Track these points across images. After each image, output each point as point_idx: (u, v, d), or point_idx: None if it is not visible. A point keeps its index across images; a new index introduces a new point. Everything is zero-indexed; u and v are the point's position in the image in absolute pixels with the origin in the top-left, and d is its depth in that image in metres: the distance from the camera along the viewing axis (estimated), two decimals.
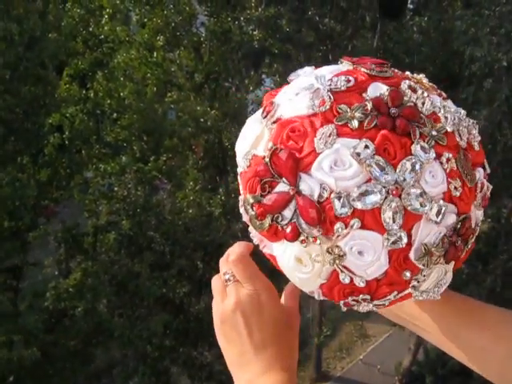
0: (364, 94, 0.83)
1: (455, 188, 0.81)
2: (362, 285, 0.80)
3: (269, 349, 1.01)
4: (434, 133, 0.82)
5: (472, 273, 15.95)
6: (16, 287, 13.56)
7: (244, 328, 1.01)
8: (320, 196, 0.77)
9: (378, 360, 19.58)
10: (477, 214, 0.87)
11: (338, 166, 0.78)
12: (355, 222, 0.76)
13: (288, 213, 0.79)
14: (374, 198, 0.76)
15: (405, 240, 0.77)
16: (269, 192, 0.81)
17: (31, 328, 11.75)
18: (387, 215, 0.76)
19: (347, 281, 0.80)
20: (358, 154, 0.77)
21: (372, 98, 0.82)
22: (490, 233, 17.32)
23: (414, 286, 0.82)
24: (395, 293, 0.82)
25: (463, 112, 0.90)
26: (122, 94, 15.88)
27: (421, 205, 0.77)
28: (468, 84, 15.55)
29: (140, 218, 13.72)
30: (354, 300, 0.84)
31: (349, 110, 0.80)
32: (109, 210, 13.73)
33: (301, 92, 0.84)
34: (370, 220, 0.77)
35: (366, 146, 0.78)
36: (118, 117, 15.97)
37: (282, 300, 1.08)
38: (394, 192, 0.77)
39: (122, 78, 16.18)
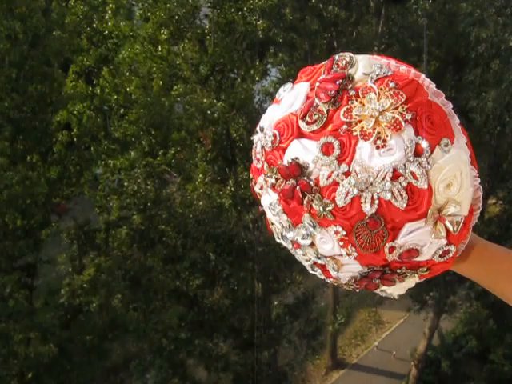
0: (283, 154, 0.93)
1: (348, 254, 0.90)
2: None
3: None
4: (321, 209, 0.88)
5: None
6: (31, 285, 13.66)
7: None
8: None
9: (393, 346, 19.59)
10: (409, 261, 0.94)
11: (268, 209, 0.97)
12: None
13: None
14: (286, 244, 0.98)
15: (320, 273, 0.99)
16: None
17: (47, 325, 11.85)
18: (298, 257, 0.98)
19: None
20: (273, 209, 0.95)
21: (279, 165, 0.92)
22: (501, 215, 17.25)
23: (347, 287, 1.01)
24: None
25: (384, 171, 0.86)
26: (128, 89, 15.89)
27: (316, 258, 0.95)
28: (475, 66, 15.44)
29: (151, 212, 13.77)
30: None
31: (269, 169, 0.94)
32: (119, 205, 13.78)
33: (255, 135, 1.00)
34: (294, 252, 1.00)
35: (278, 205, 0.94)
36: (125, 112, 15.99)
37: None
38: (295, 245, 0.96)
39: (127, 73, 16.18)
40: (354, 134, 0.87)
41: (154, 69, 16.24)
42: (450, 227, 0.91)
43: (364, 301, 20.72)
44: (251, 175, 1.01)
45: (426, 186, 0.87)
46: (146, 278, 13.49)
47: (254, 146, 0.99)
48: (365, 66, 0.93)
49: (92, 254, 13.72)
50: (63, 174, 14.40)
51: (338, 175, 0.87)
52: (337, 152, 0.87)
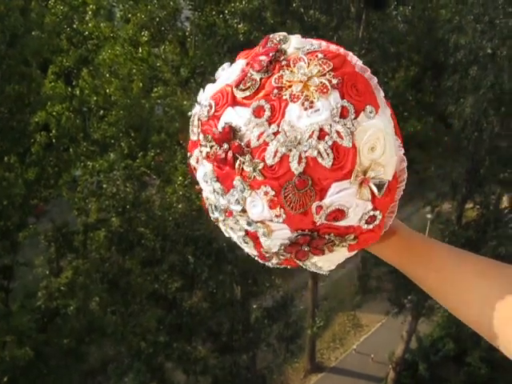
0: (217, 124, 0.96)
1: (277, 216, 0.93)
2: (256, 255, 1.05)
3: None
4: (251, 169, 0.92)
5: None
6: (7, 287, 13.49)
7: None
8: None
9: (372, 349, 19.70)
10: (337, 225, 0.96)
11: (202, 181, 1.01)
12: (219, 223, 1.04)
13: None
14: (215, 215, 1.01)
15: (251, 244, 1.00)
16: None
17: (23, 328, 11.70)
18: (227, 228, 1.01)
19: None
20: (206, 178, 0.98)
21: (214, 131, 0.95)
22: (479, 220, 17.44)
23: (277, 259, 1.02)
24: (274, 263, 1.05)
25: (311, 129, 0.90)
26: (107, 90, 15.80)
27: (247, 225, 0.97)
28: (453, 72, 15.61)
29: (130, 214, 13.68)
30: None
31: (204, 139, 0.97)
32: (98, 207, 13.67)
33: (196, 107, 1.02)
34: (225, 226, 1.03)
35: (211, 172, 0.97)
36: (105, 113, 15.90)
37: None
38: (228, 214, 0.98)
39: (107, 75, 16.10)
40: (284, 97, 0.91)
41: (135, 70, 16.18)
42: (375, 189, 0.94)
43: (343, 304, 20.82)
44: (188, 153, 1.04)
45: (350, 145, 0.91)
46: (125, 281, 13.39)
47: (191, 121, 1.02)
48: (297, 42, 1.00)
49: (70, 257, 13.59)
50: (41, 176, 14.25)
51: (268, 135, 0.90)
52: (267, 114, 0.91)
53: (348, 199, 0.93)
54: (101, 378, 15.15)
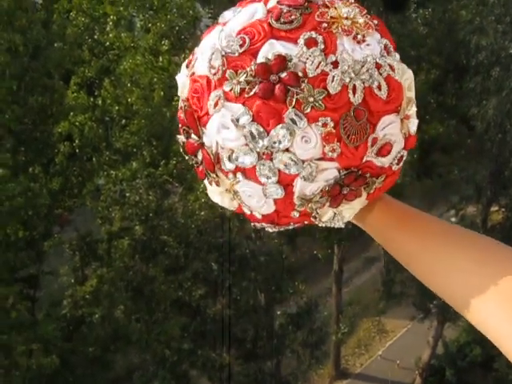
0: (254, 59, 0.88)
1: (331, 150, 0.88)
2: (259, 217, 0.96)
3: None
4: (311, 99, 0.86)
5: None
6: (33, 296, 13.65)
7: None
8: (216, 150, 0.92)
9: (398, 355, 19.51)
10: (380, 161, 0.93)
11: (224, 129, 0.89)
12: (240, 175, 0.91)
13: (199, 157, 0.95)
14: (248, 160, 0.89)
15: (281, 192, 0.91)
16: (188, 137, 0.96)
17: (49, 336, 11.82)
18: (261, 174, 0.90)
19: (248, 212, 0.97)
20: (237, 120, 0.88)
21: (258, 63, 0.87)
22: (504, 223, 17.21)
23: (314, 217, 0.96)
24: (296, 216, 0.95)
25: (370, 60, 0.89)
26: (129, 99, 15.93)
27: (287, 167, 0.88)
28: (475, 74, 15.45)
29: (153, 222, 13.75)
30: (261, 225, 1.00)
31: (235, 76, 0.88)
32: (121, 215, 13.77)
33: (205, 51, 0.94)
34: (250, 175, 0.91)
35: (245, 113, 0.87)
36: (127, 123, 16.03)
37: None
38: (265, 156, 0.89)
39: (128, 84, 16.23)
40: (334, 31, 0.89)
41: (155, 79, 16.29)
42: (411, 127, 0.96)
43: (367, 310, 20.67)
44: (192, 99, 0.94)
45: (400, 79, 0.93)
46: (149, 289, 13.46)
47: (201, 64, 0.94)
48: None
49: (94, 265, 13.70)
50: (65, 185, 14.42)
51: (326, 65, 0.87)
52: (321, 46, 0.88)
53: (395, 133, 0.93)
54: None
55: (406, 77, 0.95)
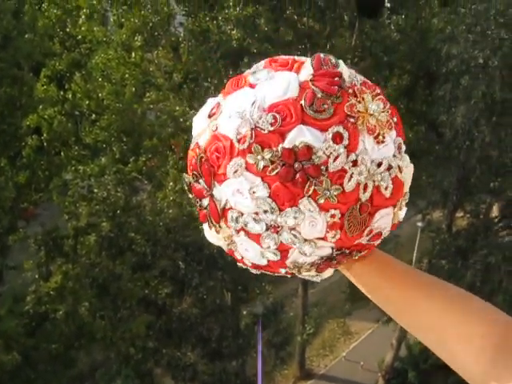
0: (282, 140, 0.93)
1: (332, 236, 0.96)
2: (249, 264, 1.04)
3: None
4: (327, 193, 0.93)
5: (452, 268, 16.10)
6: None
7: None
8: (224, 206, 0.97)
9: (361, 357, 19.67)
10: (368, 243, 1.02)
11: (239, 194, 0.95)
12: (243, 234, 0.98)
13: (205, 203, 1.00)
14: (256, 228, 0.96)
15: (276, 258, 0.98)
16: (196, 181, 1.00)
17: (11, 332, 11.63)
18: (264, 242, 0.97)
19: (239, 258, 1.04)
20: (254, 192, 0.93)
21: (285, 147, 0.92)
22: (469, 228, 17.49)
23: (296, 271, 1.03)
24: (283, 272, 1.04)
25: (384, 163, 0.96)
26: (100, 94, 15.77)
27: (290, 242, 0.95)
28: (445, 81, 15.66)
29: (120, 219, 13.63)
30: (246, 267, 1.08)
31: (261, 151, 0.92)
32: (89, 211, 13.62)
33: (233, 116, 0.97)
34: (254, 238, 0.98)
35: (263, 188, 0.93)
36: (97, 118, 15.86)
37: None
38: (272, 229, 0.95)
39: (100, 79, 16.07)
40: (359, 127, 0.95)
41: (127, 75, 16.16)
42: (400, 216, 1.06)
43: (333, 311, 20.81)
44: (211, 154, 0.98)
45: (403, 179, 1.01)
46: (115, 286, 13.33)
47: (227, 124, 0.97)
48: (347, 69, 1.01)
49: (59, 261, 13.52)
50: (32, 179, 14.20)
51: (346, 163, 0.93)
52: (346, 142, 0.93)
53: (388, 222, 1.02)
54: (89, 383, 15.05)
55: (408, 173, 1.03)
